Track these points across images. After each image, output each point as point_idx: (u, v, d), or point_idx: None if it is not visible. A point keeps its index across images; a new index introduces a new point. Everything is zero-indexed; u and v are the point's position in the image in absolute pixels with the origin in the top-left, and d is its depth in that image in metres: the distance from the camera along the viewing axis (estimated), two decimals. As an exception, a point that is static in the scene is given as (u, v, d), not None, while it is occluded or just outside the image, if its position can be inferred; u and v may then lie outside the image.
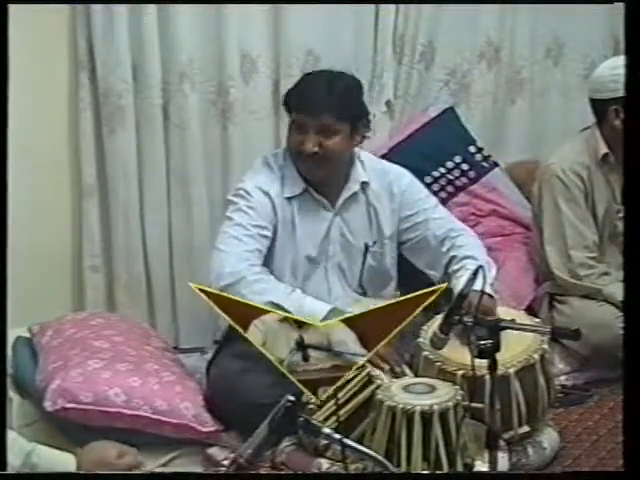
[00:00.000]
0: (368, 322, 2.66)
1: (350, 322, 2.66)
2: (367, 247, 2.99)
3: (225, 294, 2.68)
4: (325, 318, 2.66)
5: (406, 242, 3.04)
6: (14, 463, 1.96)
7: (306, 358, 2.58)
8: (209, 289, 2.63)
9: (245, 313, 2.63)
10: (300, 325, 2.62)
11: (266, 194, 2.88)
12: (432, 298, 2.58)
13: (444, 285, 2.63)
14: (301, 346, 2.55)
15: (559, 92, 4.09)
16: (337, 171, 2.92)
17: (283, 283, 2.82)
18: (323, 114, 2.82)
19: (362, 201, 2.98)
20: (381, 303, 2.82)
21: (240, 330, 2.60)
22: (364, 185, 2.97)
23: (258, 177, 2.93)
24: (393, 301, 2.75)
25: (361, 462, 2.25)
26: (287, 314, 2.64)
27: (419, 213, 3.00)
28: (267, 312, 2.61)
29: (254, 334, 2.59)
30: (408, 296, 2.65)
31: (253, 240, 2.82)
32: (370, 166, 3.01)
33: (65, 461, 2.04)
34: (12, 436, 2.02)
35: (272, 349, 2.59)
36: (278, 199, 2.89)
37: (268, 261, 2.88)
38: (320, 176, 2.90)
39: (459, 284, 2.59)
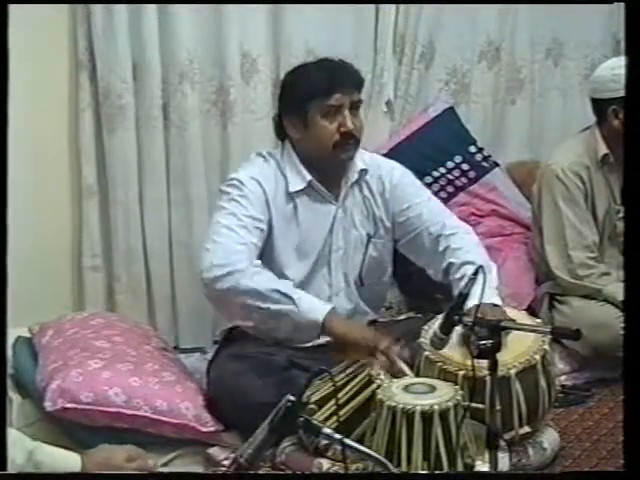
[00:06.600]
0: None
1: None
2: (369, 237, 2.96)
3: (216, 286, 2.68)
4: (325, 319, 2.65)
5: (401, 238, 2.99)
6: (18, 461, 1.94)
7: None
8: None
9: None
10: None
11: (260, 185, 2.83)
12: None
13: None
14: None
15: (559, 92, 4.10)
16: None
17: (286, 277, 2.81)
18: (355, 89, 2.83)
19: (359, 192, 2.94)
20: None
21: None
22: (362, 173, 2.92)
23: (253, 168, 2.89)
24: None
25: (361, 462, 2.25)
26: (293, 303, 2.65)
27: (412, 207, 2.94)
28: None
29: None
30: None
31: (247, 232, 2.76)
32: (363, 158, 2.96)
33: (71, 460, 2.01)
34: (15, 434, 2.00)
35: None
36: (273, 194, 2.85)
37: (271, 257, 2.85)
38: (352, 157, 2.87)
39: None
